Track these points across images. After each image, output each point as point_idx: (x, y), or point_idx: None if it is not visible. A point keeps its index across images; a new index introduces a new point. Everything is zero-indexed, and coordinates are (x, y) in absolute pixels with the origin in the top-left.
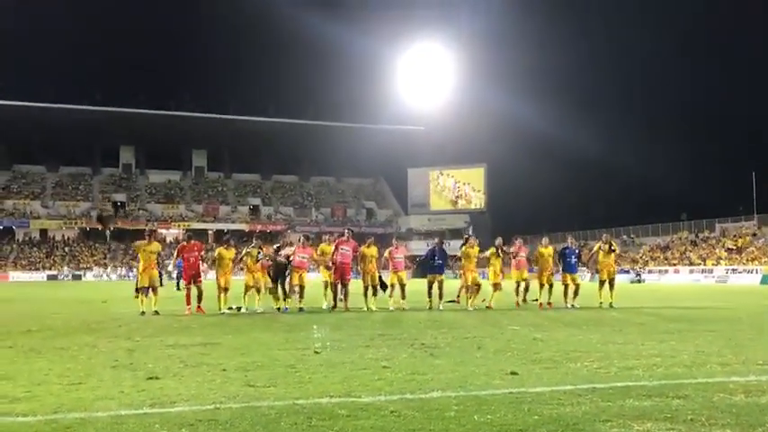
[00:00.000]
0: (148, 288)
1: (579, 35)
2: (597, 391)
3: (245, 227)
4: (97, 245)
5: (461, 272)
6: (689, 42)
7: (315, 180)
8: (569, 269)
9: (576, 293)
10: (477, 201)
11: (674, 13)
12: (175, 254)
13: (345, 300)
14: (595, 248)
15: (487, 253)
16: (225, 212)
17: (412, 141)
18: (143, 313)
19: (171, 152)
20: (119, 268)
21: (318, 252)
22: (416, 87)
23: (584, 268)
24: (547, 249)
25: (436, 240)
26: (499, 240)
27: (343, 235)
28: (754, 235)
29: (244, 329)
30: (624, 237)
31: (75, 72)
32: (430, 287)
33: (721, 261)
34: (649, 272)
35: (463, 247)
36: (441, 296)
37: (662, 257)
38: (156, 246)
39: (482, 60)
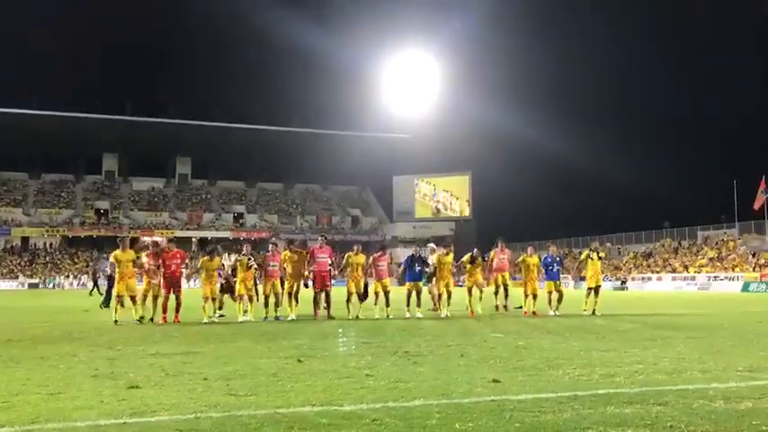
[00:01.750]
0: (122, 297)
1: (564, 45)
2: (579, 399)
3: (229, 234)
4: (79, 253)
5: (435, 279)
6: (672, 52)
7: (300, 188)
8: (552, 277)
9: (559, 300)
10: (462, 208)
11: (657, 24)
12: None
13: (328, 308)
14: (583, 256)
15: (463, 259)
16: (209, 220)
17: (397, 149)
18: (116, 322)
19: (154, 159)
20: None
21: (281, 260)
22: (402, 95)
23: (568, 276)
24: (532, 259)
25: (414, 249)
26: (476, 251)
27: (315, 241)
28: (736, 241)
29: (226, 338)
30: (608, 244)
31: (58, 79)
32: (409, 295)
33: (703, 268)
34: (632, 279)
35: (435, 256)
36: (419, 304)
37: (645, 265)
38: (130, 254)
39: (467, 69)
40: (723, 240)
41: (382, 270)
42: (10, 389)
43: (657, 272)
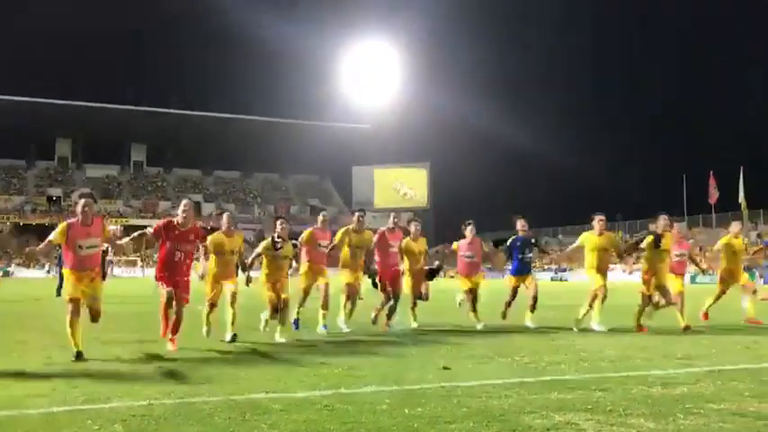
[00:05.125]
0: None
1: (522, 36)
2: (525, 385)
3: None
4: (30, 240)
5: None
6: (624, 47)
7: (258, 176)
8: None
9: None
10: (421, 199)
11: (609, 18)
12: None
13: (390, 315)
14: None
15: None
16: (165, 208)
17: (357, 139)
18: None
19: (109, 146)
20: (48, 265)
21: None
22: (362, 85)
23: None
24: (738, 241)
25: (522, 225)
26: (664, 221)
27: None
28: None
29: (185, 327)
30: (560, 236)
31: (10, 61)
32: (515, 293)
33: None
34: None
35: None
36: (533, 306)
37: None
38: None
39: (426, 60)
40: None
41: (475, 262)
42: None
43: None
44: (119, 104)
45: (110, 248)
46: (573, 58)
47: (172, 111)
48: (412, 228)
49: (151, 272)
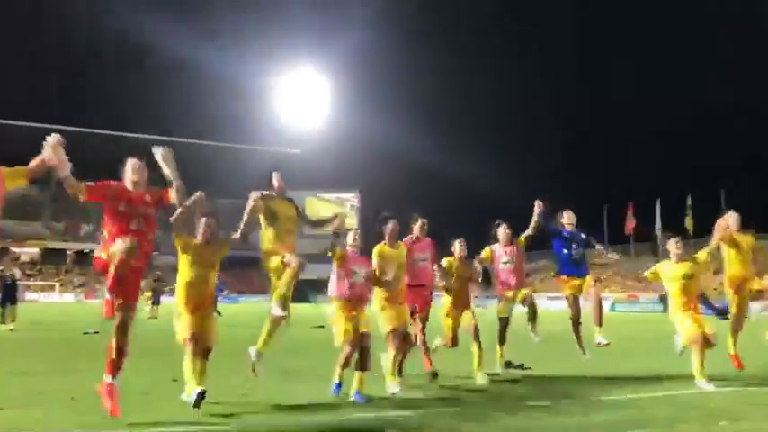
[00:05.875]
0: None
1: (451, 63)
2: (460, 412)
3: None
4: None
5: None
6: (550, 73)
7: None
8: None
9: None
10: (351, 224)
11: (539, 42)
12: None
13: (428, 353)
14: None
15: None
16: (88, 232)
17: (287, 164)
18: None
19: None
20: None
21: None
22: (293, 111)
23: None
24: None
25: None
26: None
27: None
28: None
29: (101, 355)
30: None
31: None
32: (575, 303)
33: None
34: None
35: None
36: (600, 321)
37: None
38: None
39: (356, 87)
40: (593, 262)
41: (514, 269)
42: None
43: (535, 291)
44: (40, 123)
45: (17, 271)
46: (500, 86)
47: (96, 131)
48: (456, 247)
49: (69, 296)
